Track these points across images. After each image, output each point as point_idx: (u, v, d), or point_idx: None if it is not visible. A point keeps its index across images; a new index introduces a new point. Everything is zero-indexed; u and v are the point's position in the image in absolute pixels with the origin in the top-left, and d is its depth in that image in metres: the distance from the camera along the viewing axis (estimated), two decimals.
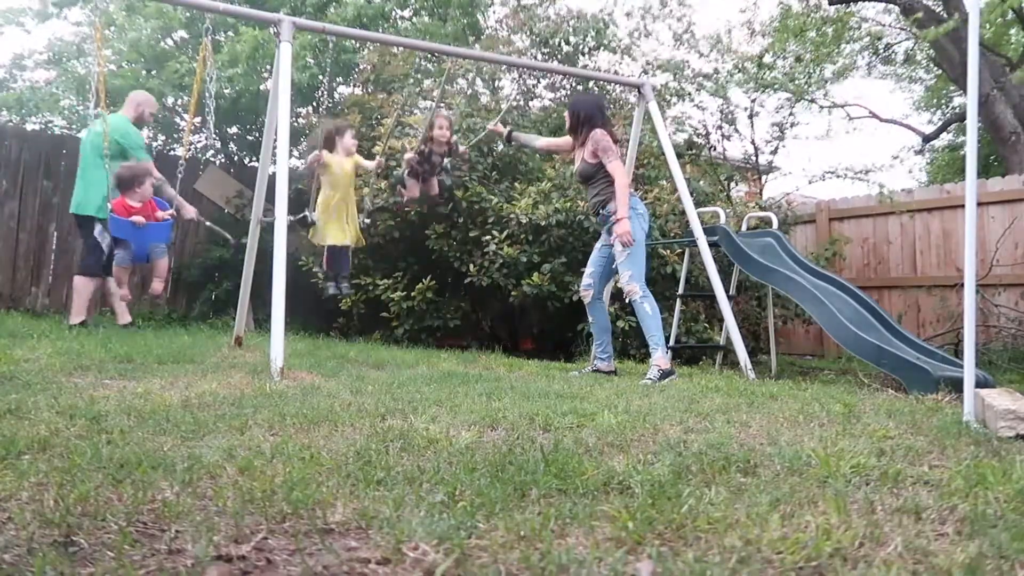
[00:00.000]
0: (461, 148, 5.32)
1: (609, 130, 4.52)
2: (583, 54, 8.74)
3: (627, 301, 4.48)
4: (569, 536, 1.28)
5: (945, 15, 8.18)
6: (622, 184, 4.37)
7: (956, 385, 3.17)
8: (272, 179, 4.29)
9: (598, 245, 4.72)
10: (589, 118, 4.53)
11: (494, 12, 10.24)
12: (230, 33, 8.50)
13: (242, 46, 7.39)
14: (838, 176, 11.47)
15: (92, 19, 3.98)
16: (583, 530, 1.30)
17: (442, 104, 5.75)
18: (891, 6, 10.22)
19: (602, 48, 8.82)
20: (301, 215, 4.68)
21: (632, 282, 4.35)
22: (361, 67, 8.90)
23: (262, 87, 7.60)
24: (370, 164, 5.12)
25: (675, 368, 4.55)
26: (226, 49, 7.64)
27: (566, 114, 4.76)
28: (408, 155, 5.04)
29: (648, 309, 4.34)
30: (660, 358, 4.26)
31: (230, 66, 7.49)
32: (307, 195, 4.95)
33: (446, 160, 5.14)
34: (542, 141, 5.25)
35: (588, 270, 4.77)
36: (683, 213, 5.59)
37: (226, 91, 7.57)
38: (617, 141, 4.55)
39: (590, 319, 4.81)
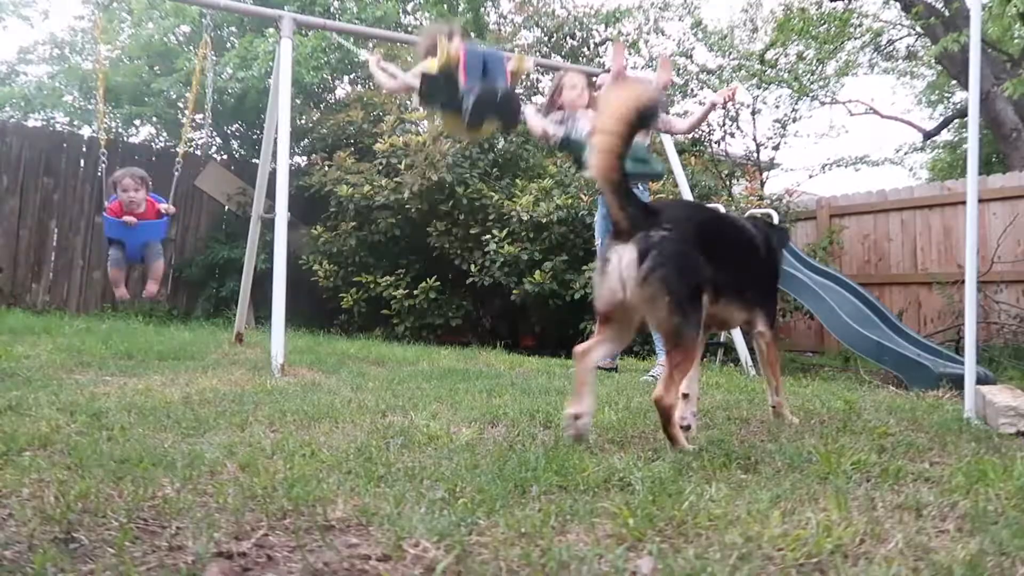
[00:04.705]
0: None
1: None
2: (588, 48, 8.73)
3: None
4: (570, 533, 1.28)
5: (947, 12, 8.17)
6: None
7: (957, 382, 3.16)
8: (273, 176, 4.28)
9: (600, 240, 4.66)
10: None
11: (496, 9, 10.22)
12: (233, 29, 8.50)
13: (260, 41, 7.36)
14: (837, 165, 11.49)
15: (95, 14, 3.95)
16: (584, 527, 1.30)
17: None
18: (892, 2, 10.20)
19: (608, 43, 8.81)
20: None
21: None
22: (366, 59, 8.93)
23: (265, 84, 7.63)
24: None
25: None
26: (248, 47, 7.63)
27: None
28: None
29: None
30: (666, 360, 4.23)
31: (241, 68, 7.49)
32: None
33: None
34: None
35: None
36: None
37: (230, 89, 7.58)
38: None
39: None
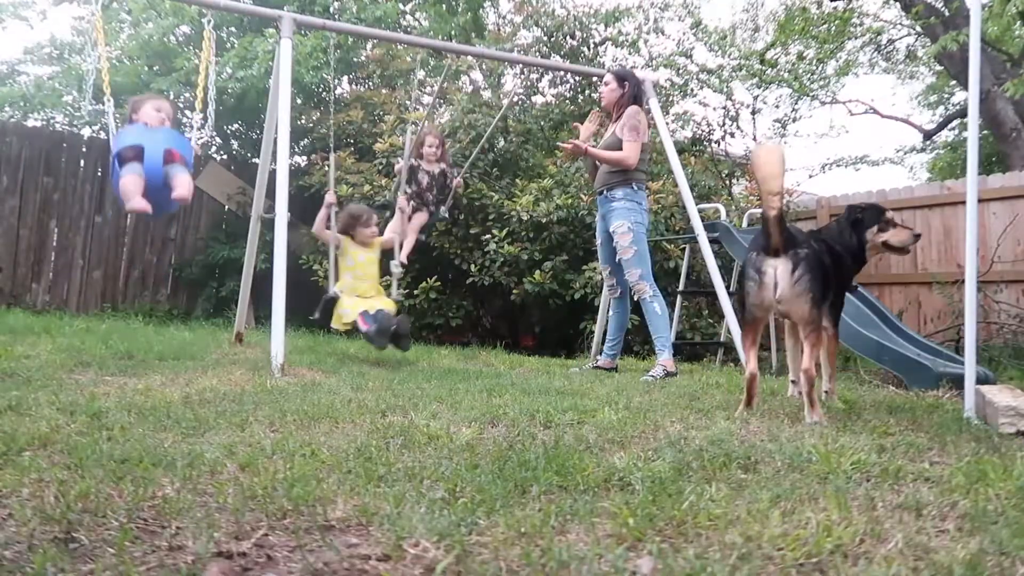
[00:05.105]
0: (456, 179, 5.06)
1: (645, 114, 4.47)
2: (588, 48, 8.72)
3: (636, 300, 4.44)
4: (570, 532, 1.28)
5: (946, 12, 8.17)
6: (624, 157, 4.30)
7: (957, 381, 3.16)
8: (273, 176, 4.28)
9: (599, 241, 4.67)
10: (634, 95, 4.47)
11: (495, 9, 10.22)
12: (233, 29, 8.50)
13: (260, 41, 7.37)
14: (837, 165, 11.50)
15: (94, 12, 3.95)
16: (584, 527, 1.30)
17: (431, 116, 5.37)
18: (892, 2, 10.20)
19: (608, 43, 8.80)
20: (326, 296, 4.29)
21: (641, 281, 4.32)
22: (366, 58, 8.90)
23: (265, 84, 7.64)
24: (391, 239, 4.81)
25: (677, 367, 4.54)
26: (247, 47, 7.62)
27: (611, 80, 4.54)
28: (397, 166, 4.94)
29: (657, 309, 4.31)
30: (667, 360, 4.24)
31: (241, 67, 7.49)
32: (324, 250, 4.48)
33: (436, 193, 4.93)
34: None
35: (605, 270, 4.68)
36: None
37: (230, 89, 7.58)
38: (648, 127, 4.49)
39: (611, 313, 4.76)
